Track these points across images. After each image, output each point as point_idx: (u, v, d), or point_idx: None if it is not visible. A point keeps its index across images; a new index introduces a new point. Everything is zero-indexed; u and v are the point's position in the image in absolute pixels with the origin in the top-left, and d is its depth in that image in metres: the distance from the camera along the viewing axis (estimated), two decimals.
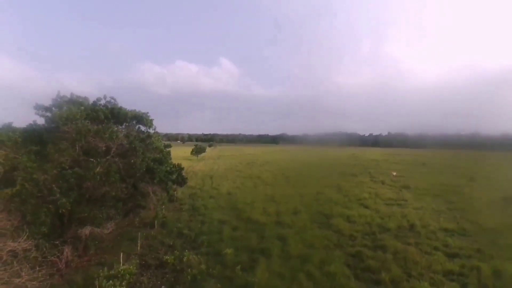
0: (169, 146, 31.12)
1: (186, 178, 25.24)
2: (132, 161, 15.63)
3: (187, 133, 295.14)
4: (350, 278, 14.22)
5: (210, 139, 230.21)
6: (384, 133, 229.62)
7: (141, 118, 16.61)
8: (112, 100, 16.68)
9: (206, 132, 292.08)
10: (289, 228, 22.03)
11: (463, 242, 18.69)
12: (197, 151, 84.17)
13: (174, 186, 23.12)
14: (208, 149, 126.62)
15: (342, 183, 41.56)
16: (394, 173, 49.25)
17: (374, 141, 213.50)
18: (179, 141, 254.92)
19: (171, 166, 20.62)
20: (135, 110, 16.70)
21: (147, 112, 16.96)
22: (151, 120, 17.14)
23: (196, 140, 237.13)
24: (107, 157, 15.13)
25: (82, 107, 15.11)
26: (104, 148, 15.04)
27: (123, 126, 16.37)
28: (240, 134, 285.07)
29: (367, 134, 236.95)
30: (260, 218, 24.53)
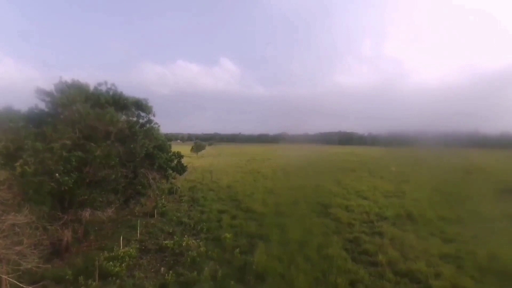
0: (170, 139, 31.41)
1: (186, 166, 25.37)
2: (132, 145, 15.78)
3: (188, 133, 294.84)
4: (348, 260, 14.38)
5: (210, 139, 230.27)
6: (383, 132, 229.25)
7: (141, 104, 16.77)
8: (113, 87, 16.84)
9: (206, 132, 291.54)
10: (288, 217, 22.20)
11: (460, 229, 18.85)
12: (197, 148, 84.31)
13: (174, 174, 23.25)
14: (208, 148, 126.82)
15: (341, 177, 41.73)
16: (394, 168, 49.44)
17: (373, 140, 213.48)
18: (179, 141, 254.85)
19: (171, 154, 20.71)
20: (135, 96, 16.89)
21: (147, 99, 17.16)
22: (151, 106, 17.30)
23: (196, 139, 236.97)
24: (107, 142, 15.28)
25: (83, 92, 15.27)
26: (104, 133, 15.20)
27: (124, 112, 16.49)
28: (240, 133, 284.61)
29: (366, 134, 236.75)
30: (260, 208, 24.71)
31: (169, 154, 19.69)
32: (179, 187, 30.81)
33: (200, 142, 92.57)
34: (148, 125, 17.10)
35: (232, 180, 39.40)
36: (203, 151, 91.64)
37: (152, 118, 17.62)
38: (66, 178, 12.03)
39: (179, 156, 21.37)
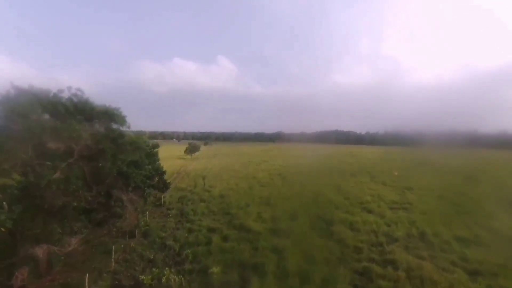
0: (157, 146, 28.63)
1: (169, 182, 22.70)
2: (101, 164, 13.12)
3: (184, 131, 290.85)
4: None
5: (206, 137, 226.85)
6: (381, 131, 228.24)
7: (112, 114, 14.02)
8: (80, 92, 14.07)
9: (203, 130, 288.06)
10: (286, 238, 19.73)
11: (483, 255, 16.54)
12: (191, 150, 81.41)
13: (155, 192, 20.60)
14: (203, 148, 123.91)
15: (342, 183, 39.37)
16: (396, 173, 47.30)
17: (371, 139, 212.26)
18: (174, 140, 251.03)
19: (151, 169, 17.99)
20: (105, 105, 14.12)
21: (119, 108, 14.37)
22: (124, 117, 14.57)
23: (193, 139, 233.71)
24: (69, 160, 12.58)
25: (39, 100, 12.50)
26: (64, 150, 12.49)
27: (90, 125, 13.78)
28: (236, 132, 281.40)
29: (363, 132, 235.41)
30: (254, 225, 22.19)
31: (149, 170, 16.85)
32: (164, 201, 28.21)
33: (195, 143, 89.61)
34: (120, 140, 14.39)
35: (226, 188, 36.79)
36: (197, 152, 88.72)
37: (126, 129, 14.84)
38: (3, 217, 9.33)
39: (161, 172, 18.63)
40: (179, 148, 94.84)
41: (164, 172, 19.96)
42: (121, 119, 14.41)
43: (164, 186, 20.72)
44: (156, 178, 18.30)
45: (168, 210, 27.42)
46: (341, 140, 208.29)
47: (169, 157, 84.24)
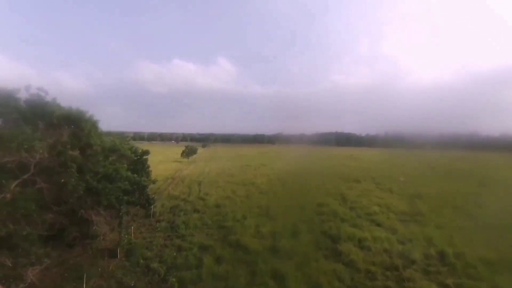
0: (147, 153, 26.20)
1: (153, 198, 20.28)
2: (63, 180, 10.74)
3: (182, 133, 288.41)
4: None
5: (205, 139, 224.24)
6: (381, 133, 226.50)
7: (75, 120, 11.59)
8: (42, 92, 11.68)
9: (202, 132, 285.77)
10: (288, 259, 17.34)
11: None
12: (188, 153, 78.97)
13: (137, 208, 18.22)
14: (201, 150, 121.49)
15: (346, 191, 36.99)
16: (402, 178, 45.00)
17: (371, 141, 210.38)
18: (173, 141, 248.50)
19: (136, 181, 15.55)
20: (70, 107, 11.70)
21: (87, 111, 11.96)
22: (95, 122, 12.18)
23: (191, 140, 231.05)
24: (23, 177, 10.18)
25: None
26: (17, 165, 10.10)
27: (55, 131, 11.40)
28: (235, 133, 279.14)
29: (363, 134, 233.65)
30: (252, 243, 19.79)
31: (125, 183, 14.37)
32: (154, 212, 25.78)
33: (192, 146, 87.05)
34: (88, 149, 11.97)
35: (222, 196, 34.36)
36: (194, 155, 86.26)
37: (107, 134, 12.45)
38: None
39: (142, 186, 16.13)
40: (177, 150, 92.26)
41: (145, 187, 17.41)
42: (90, 125, 11.97)
43: (147, 202, 18.24)
44: (137, 194, 15.81)
45: (157, 222, 25.07)
46: (341, 142, 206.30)
47: (165, 160, 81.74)
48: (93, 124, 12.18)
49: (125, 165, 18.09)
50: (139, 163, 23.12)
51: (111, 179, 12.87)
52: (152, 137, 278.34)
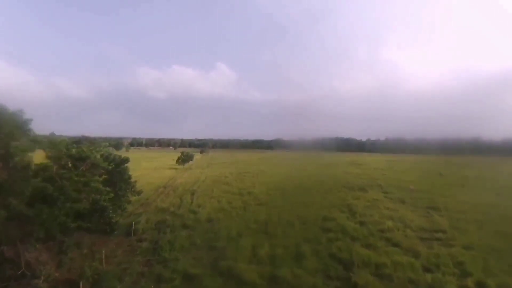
0: (126, 160, 22.95)
1: (116, 222, 16.90)
2: None
3: (181, 138, 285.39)
4: None
5: (204, 145, 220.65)
6: (382, 138, 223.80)
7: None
8: None
9: (201, 137, 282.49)
10: None
11: None
12: (183, 159, 75.57)
13: (96, 237, 14.83)
14: (198, 156, 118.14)
15: (352, 201, 33.59)
16: (412, 187, 41.68)
17: (371, 146, 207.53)
18: (171, 147, 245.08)
19: (92, 201, 12.21)
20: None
21: (23, 116, 8.58)
22: (23, 121, 8.93)
23: (190, 146, 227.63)
24: None
25: None
26: None
27: None
28: (234, 139, 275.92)
29: (364, 139, 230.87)
30: (247, 271, 16.34)
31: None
32: (136, 229, 22.28)
33: (187, 152, 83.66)
34: (12, 161, 8.69)
35: (216, 208, 30.93)
36: (190, 162, 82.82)
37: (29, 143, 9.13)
38: None
39: (102, 207, 12.77)
40: (174, 156, 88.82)
41: (106, 208, 14.05)
42: (12, 125, 8.61)
43: (110, 227, 14.83)
44: (97, 215, 12.49)
45: (138, 241, 21.59)
46: (341, 147, 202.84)
47: (161, 166, 78.34)
48: (19, 125, 8.83)
49: (97, 177, 14.87)
50: (115, 173, 19.81)
51: (52, 199, 9.61)
52: (150, 143, 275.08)
